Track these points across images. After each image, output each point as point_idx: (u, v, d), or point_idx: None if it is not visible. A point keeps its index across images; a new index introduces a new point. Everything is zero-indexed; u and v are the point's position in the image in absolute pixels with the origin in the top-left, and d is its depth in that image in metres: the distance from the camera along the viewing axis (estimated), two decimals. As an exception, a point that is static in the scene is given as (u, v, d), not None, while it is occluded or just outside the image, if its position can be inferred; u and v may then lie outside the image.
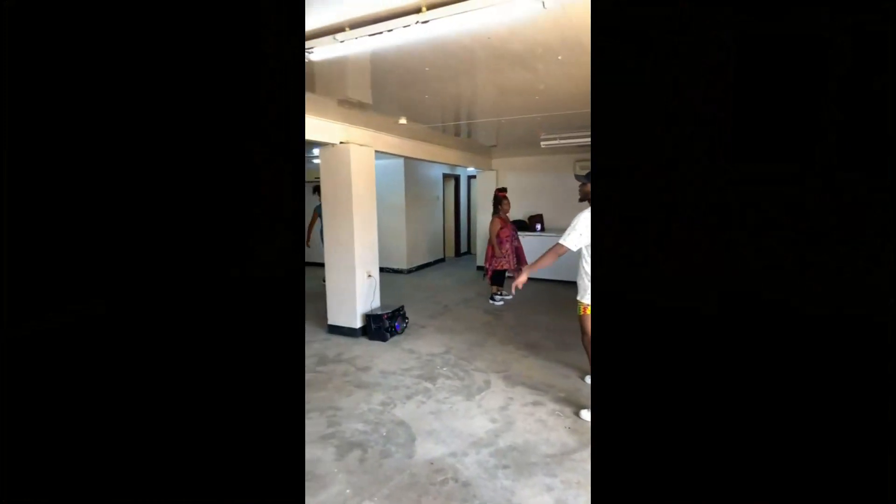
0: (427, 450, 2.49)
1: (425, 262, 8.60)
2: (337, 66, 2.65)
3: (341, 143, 4.27)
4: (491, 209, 5.94)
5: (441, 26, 1.92)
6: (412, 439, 2.60)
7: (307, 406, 3.07)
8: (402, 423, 2.79)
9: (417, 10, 1.89)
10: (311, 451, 2.51)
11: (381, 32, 2.01)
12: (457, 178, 10.01)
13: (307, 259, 8.95)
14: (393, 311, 4.45)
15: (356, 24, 2.05)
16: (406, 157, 5.91)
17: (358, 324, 4.48)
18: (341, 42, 2.13)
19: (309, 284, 7.12)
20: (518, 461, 2.38)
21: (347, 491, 2.17)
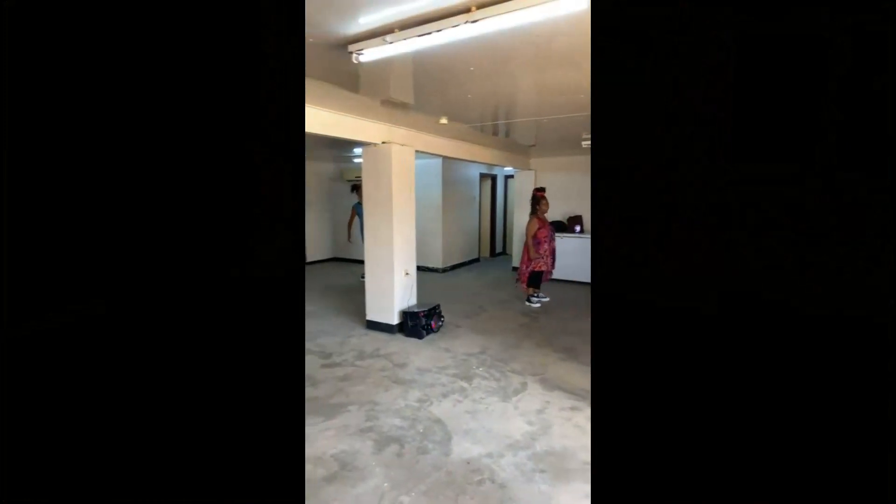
0: (464, 449, 2.50)
1: (460, 261, 8.62)
2: (382, 67, 2.67)
3: (383, 142, 4.33)
4: (528, 209, 5.92)
5: (488, 25, 1.92)
6: (448, 437, 2.62)
7: (347, 399, 3.14)
8: (438, 421, 2.80)
9: (467, 10, 1.90)
10: (351, 444, 2.56)
11: (429, 33, 2.03)
12: (493, 178, 9.94)
13: (345, 255, 9.17)
14: (429, 310, 4.49)
15: (406, 25, 2.07)
16: (445, 157, 5.93)
17: (395, 320, 4.55)
18: (390, 43, 2.16)
19: (346, 280, 7.31)
20: (556, 466, 2.36)
21: (385, 485, 2.19)
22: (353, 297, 5.90)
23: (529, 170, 8.09)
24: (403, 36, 2.10)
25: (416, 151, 4.78)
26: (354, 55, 2.32)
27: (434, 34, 2.03)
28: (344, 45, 2.35)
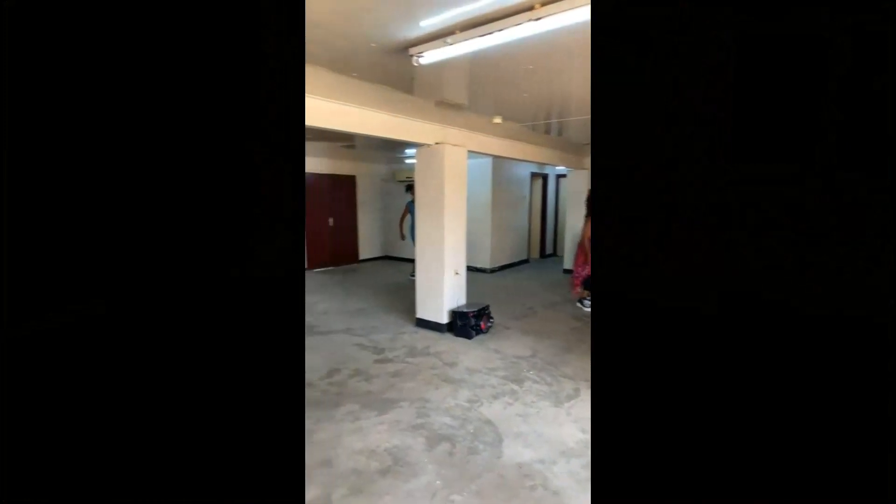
0: (516, 452, 2.47)
1: (509, 262, 8.45)
2: (438, 69, 2.69)
3: (436, 143, 4.35)
4: (580, 210, 5.78)
5: (551, 22, 1.92)
6: (499, 440, 2.60)
7: (399, 394, 3.16)
8: (488, 422, 2.79)
9: (530, 8, 1.90)
10: (403, 439, 2.58)
11: (491, 32, 2.02)
12: (545, 177, 9.75)
13: (395, 254, 9.32)
14: (479, 310, 4.48)
15: (467, 26, 2.08)
16: (497, 157, 5.86)
17: (444, 319, 4.56)
18: (450, 44, 2.16)
19: (396, 278, 7.39)
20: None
21: (437, 482, 2.20)
22: (402, 295, 5.94)
23: (583, 169, 7.77)
24: (465, 37, 2.10)
25: (468, 151, 4.77)
26: (415, 58, 2.33)
27: (496, 34, 2.02)
28: (404, 49, 2.36)
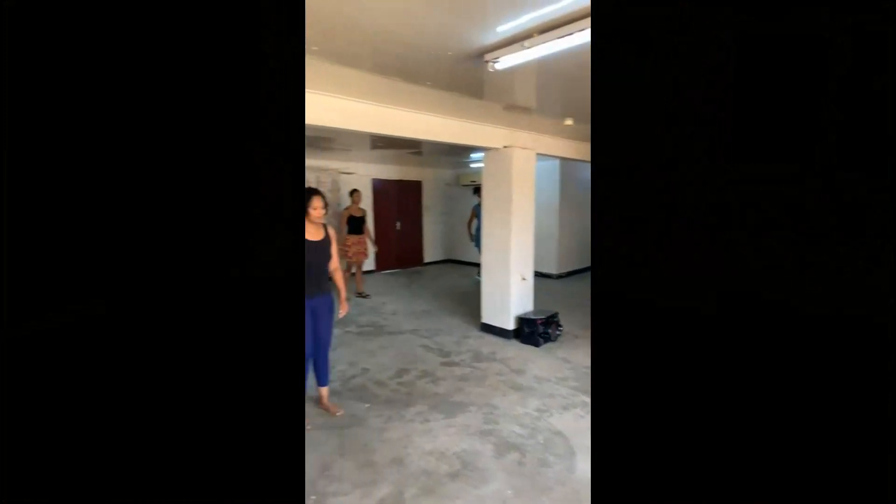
0: (589, 467, 2.35)
1: (577, 267, 8.20)
2: (509, 72, 2.64)
3: (504, 147, 4.32)
4: None
5: None
6: (571, 453, 2.53)
7: (467, 398, 3.16)
8: (559, 434, 2.72)
9: None
10: (471, 444, 2.58)
11: (571, 33, 1.99)
12: None
13: (459, 257, 9.43)
14: (547, 317, 4.37)
15: (545, 29, 2.04)
16: (566, 159, 5.79)
17: (511, 326, 4.47)
18: (528, 48, 2.12)
19: (460, 282, 7.39)
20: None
21: (508, 491, 2.17)
22: (466, 299, 5.94)
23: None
24: (543, 40, 2.05)
25: (537, 154, 4.71)
26: (490, 64, 2.29)
27: (576, 34, 1.98)
28: (480, 55, 2.33)
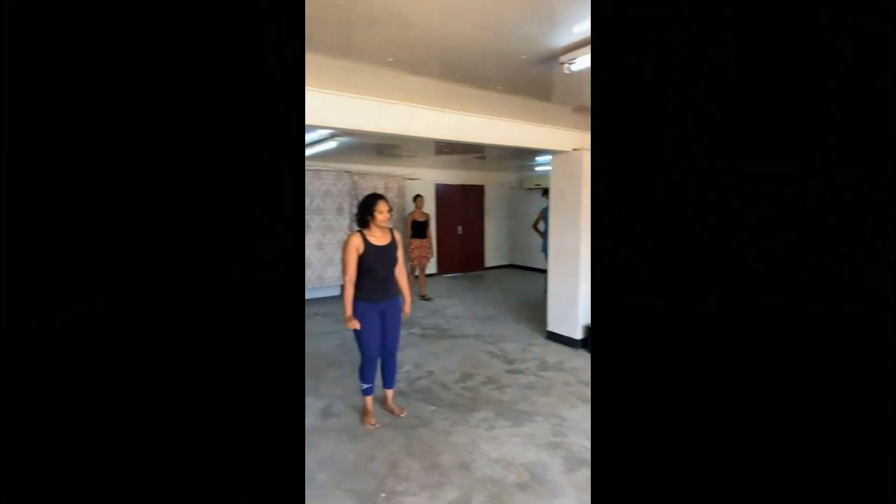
0: None
1: None
2: (579, 74, 2.59)
3: (574, 150, 4.24)
4: None
5: None
6: None
7: (533, 408, 3.07)
8: None
9: None
10: (539, 455, 2.51)
11: None
12: None
13: (521, 263, 9.33)
14: None
15: None
16: None
17: (579, 335, 4.28)
18: None
19: (522, 287, 7.28)
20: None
21: None
22: (531, 305, 5.81)
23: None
24: None
25: None
26: (566, 65, 2.25)
27: None
28: (555, 58, 2.28)
